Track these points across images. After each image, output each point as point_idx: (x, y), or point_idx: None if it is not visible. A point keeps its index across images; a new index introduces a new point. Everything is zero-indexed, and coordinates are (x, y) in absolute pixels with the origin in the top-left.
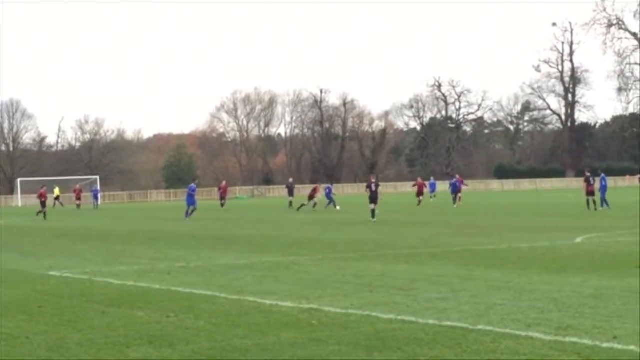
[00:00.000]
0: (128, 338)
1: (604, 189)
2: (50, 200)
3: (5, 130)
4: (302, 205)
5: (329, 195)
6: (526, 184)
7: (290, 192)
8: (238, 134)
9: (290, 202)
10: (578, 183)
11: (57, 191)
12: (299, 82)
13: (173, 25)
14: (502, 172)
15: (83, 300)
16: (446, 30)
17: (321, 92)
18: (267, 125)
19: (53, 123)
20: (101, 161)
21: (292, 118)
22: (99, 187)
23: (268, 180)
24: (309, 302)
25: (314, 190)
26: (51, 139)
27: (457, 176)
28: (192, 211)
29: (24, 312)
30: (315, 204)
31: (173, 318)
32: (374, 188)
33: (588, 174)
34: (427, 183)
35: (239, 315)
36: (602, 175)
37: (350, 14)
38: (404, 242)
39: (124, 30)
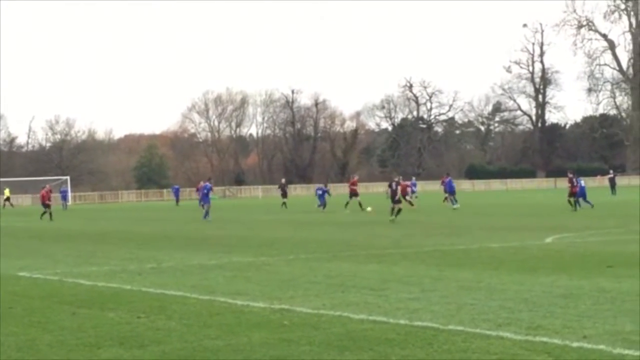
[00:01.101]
0: (99, 339)
1: (582, 189)
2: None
3: None
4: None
5: (321, 196)
6: (497, 184)
7: (284, 193)
8: (209, 134)
9: (284, 203)
10: (548, 183)
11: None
12: (271, 82)
13: (144, 25)
14: (473, 172)
15: (53, 301)
16: (417, 31)
17: (293, 92)
18: (238, 125)
19: (23, 123)
20: (72, 161)
21: (263, 118)
22: (68, 188)
23: (239, 181)
24: (280, 302)
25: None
26: (21, 139)
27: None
28: (208, 209)
29: None
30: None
31: (144, 319)
32: (394, 187)
33: (571, 175)
34: (409, 183)
35: (210, 315)
36: (580, 179)
37: (322, 14)
38: (376, 242)
39: (95, 30)
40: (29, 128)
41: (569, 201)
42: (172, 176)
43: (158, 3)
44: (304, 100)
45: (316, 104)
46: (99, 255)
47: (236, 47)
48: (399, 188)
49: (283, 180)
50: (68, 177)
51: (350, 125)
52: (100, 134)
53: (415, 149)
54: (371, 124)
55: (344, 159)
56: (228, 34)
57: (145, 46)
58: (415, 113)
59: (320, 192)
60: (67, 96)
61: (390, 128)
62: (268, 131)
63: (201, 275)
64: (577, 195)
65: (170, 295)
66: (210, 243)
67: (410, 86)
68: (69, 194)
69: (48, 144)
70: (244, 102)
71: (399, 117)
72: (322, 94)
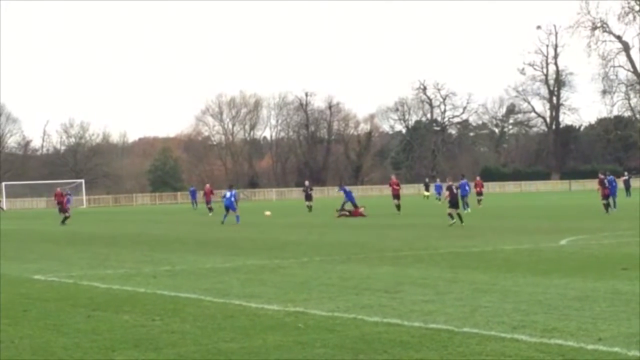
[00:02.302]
0: (114, 342)
1: (614, 189)
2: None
3: None
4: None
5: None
6: (511, 187)
7: (308, 197)
8: (223, 137)
9: (310, 207)
10: (563, 185)
11: None
12: (284, 85)
13: (158, 29)
14: (487, 175)
15: (68, 304)
16: (431, 33)
17: (306, 95)
18: (252, 128)
19: (38, 127)
20: (86, 165)
21: (277, 121)
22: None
23: (253, 183)
24: (294, 305)
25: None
26: (36, 143)
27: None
28: (228, 213)
29: (8, 317)
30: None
31: (158, 321)
32: (455, 191)
33: (602, 176)
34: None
35: (224, 318)
36: (611, 177)
37: (336, 16)
38: (389, 245)
39: (109, 34)
40: (43, 132)
41: (604, 204)
42: (186, 179)
43: (172, 6)
44: (318, 102)
45: (330, 107)
46: (113, 258)
47: (249, 50)
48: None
49: (307, 183)
50: (83, 181)
51: (364, 127)
52: (115, 137)
53: (429, 151)
54: (385, 127)
55: (358, 161)
56: (241, 37)
57: (159, 49)
58: (429, 115)
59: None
60: (82, 100)
61: (404, 130)
62: (282, 134)
63: (215, 278)
64: (609, 195)
65: (184, 297)
66: (223, 246)
67: (424, 88)
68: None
69: (63, 148)
70: (257, 105)
71: (413, 119)
72: (336, 97)
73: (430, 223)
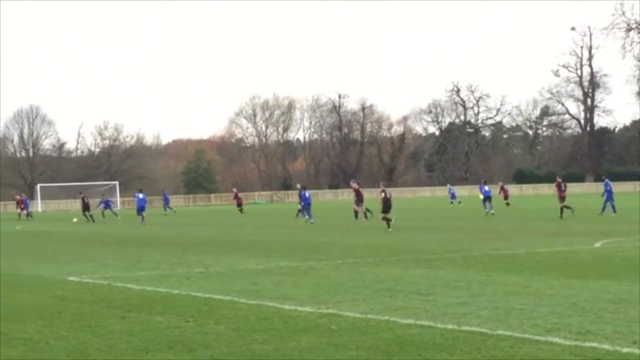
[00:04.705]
0: (147, 343)
1: (609, 194)
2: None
3: (25, 136)
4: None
5: (306, 201)
6: (545, 189)
7: (359, 199)
8: (256, 139)
9: (368, 211)
10: (597, 188)
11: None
12: (318, 87)
13: (192, 30)
14: (521, 177)
15: (103, 305)
16: (465, 35)
17: (340, 97)
18: (285, 130)
19: (72, 129)
20: (120, 166)
21: (310, 123)
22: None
23: (287, 186)
24: (327, 307)
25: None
26: (70, 145)
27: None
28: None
29: (43, 317)
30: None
31: (192, 323)
32: (387, 195)
33: (559, 180)
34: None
35: (258, 320)
36: (606, 180)
37: (369, 18)
38: (422, 247)
39: (143, 36)
40: (78, 134)
41: (561, 207)
42: (220, 181)
43: (206, 9)
44: (351, 104)
45: (363, 109)
46: (147, 260)
47: (283, 52)
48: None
49: (355, 185)
50: (117, 183)
51: (397, 129)
52: (149, 139)
53: (462, 153)
54: (418, 129)
55: (391, 163)
56: (275, 39)
57: (193, 52)
58: (462, 117)
59: (303, 195)
60: (116, 102)
61: (437, 132)
62: (315, 136)
63: (249, 279)
64: (608, 199)
65: (218, 299)
66: (257, 248)
67: (458, 90)
68: (116, 201)
69: (97, 150)
70: (291, 106)
71: (446, 121)
72: (369, 99)
73: (464, 226)
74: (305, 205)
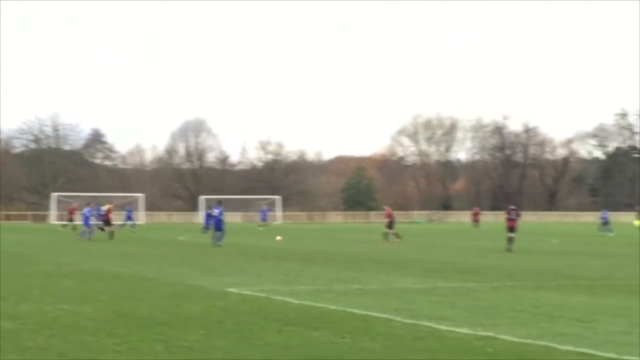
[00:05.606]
0: (304, 357)
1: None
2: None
3: (191, 149)
4: None
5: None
6: None
7: (392, 222)
8: (418, 158)
9: (393, 234)
10: None
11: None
12: (481, 107)
13: (356, 49)
14: None
15: (260, 317)
16: (634, 58)
17: (503, 118)
18: (447, 150)
19: (235, 143)
20: (282, 181)
21: (472, 144)
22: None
23: (446, 206)
24: (484, 329)
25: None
26: (233, 158)
27: None
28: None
29: (204, 327)
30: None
31: (348, 339)
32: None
33: (512, 207)
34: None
35: (413, 339)
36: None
37: (534, 39)
38: (584, 273)
39: (306, 54)
40: (242, 148)
41: (508, 238)
42: (380, 199)
43: (375, 28)
44: (514, 126)
45: (526, 131)
46: (305, 275)
47: (447, 71)
48: None
49: (388, 209)
50: (279, 197)
51: (561, 152)
52: (310, 155)
53: (628, 179)
54: (583, 152)
55: (553, 187)
56: (438, 59)
57: (357, 70)
58: (629, 142)
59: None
60: (279, 118)
61: (602, 157)
62: (477, 157)
63: (405, 298)
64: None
65: (374, 317)
66: (414, 267)
67: (625, 115)
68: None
69: (260, 164)
70: (453, 126)
71: (612, 145)
72: (533, 120)
73: (627, 252)
74: (215, 225)
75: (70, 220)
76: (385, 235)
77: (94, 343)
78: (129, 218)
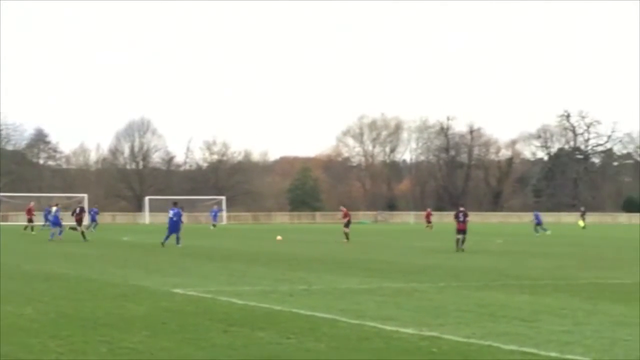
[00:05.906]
0: (249, 358)
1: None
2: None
3: (136, 149)
4: None
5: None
6: None
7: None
8: (363, 158)
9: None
10: None
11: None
12: (426, 108)
13: (301, 49)
14: (631, 206)
15: (206, 318)
16: (576, 60)
17: (448, 119)
18: (392, 150)
19: (181, 143)
20: (227, 182)
21: (417, 144)
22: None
23: (391, 206)
24: (430, 329)
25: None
26: (178, 159)
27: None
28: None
29: (148, 328)
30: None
31: (293, 340)
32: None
33: (462, 209)
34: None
35: (359, 340)
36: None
37: (478, 40)
38: (527, 273)
39: (251, 55)
40: (187, 148)
41: (456, 239)
42: (325, 199)
43: (315, 28)
44: (459, 127)
45: (471, 132)
46: (251, 275)
47: (391, 72)
48: None
49: (344, 209)
50: (224, 197)
51: (505, 153)
52: (256, 156)
53: (571, 180)
54: (526, 153)
55: (497, 187)
56: (383, 59)
57: (302, 71)
58: (572, 143)
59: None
60: (224, 118)
61: (546, 158)
62: (422, 157)
63: (351, 299)
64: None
65: (320, 317)
66: (360, 267)
67: (568, 116)
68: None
69: (205, 164)
70: (398, 127)
71: (555, 146)
72: (477, 121)
73: (570, 253)
74: (169, 226)
75: (30, 221)
76: (347, 235)
77: (37, 345)
78: (93, 219)
